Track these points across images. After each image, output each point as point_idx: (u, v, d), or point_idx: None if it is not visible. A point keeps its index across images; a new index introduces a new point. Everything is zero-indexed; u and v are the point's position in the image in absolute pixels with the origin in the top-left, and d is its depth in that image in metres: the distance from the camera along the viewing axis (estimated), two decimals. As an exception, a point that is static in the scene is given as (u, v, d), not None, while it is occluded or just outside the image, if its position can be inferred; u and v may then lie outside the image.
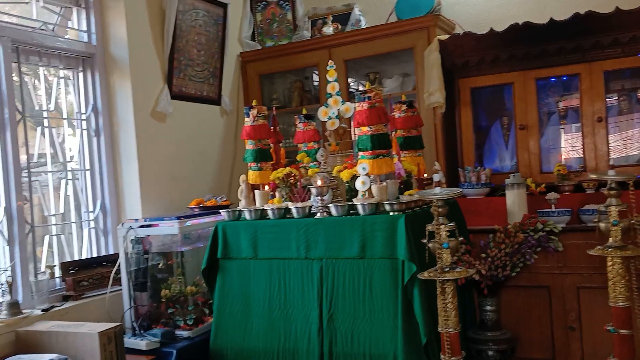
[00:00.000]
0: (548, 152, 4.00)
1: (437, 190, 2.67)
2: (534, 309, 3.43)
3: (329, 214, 2.93)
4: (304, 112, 3.54)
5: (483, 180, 3.82)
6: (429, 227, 2.56)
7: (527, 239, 3.31)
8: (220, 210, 3.25)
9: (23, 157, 3.29)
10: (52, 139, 3.56)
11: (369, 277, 2.78)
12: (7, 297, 2.98)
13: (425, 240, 2.58)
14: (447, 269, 2.50)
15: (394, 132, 3.41)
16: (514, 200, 3.52)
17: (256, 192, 3.20)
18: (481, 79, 4.04)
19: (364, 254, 2.79)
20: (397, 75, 4.50)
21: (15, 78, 3.26)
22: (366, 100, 2.90)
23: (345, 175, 3.08)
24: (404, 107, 3.43)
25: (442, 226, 2.51)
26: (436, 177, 3.32)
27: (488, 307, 3.35)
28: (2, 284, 2.99)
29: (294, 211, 2.99)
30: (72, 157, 3.69)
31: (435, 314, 2.57)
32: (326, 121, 3.41)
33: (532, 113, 3.93)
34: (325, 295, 2.85)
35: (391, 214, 2.77)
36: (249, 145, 3.30)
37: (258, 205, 3.16)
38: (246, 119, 3.30)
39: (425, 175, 3.37)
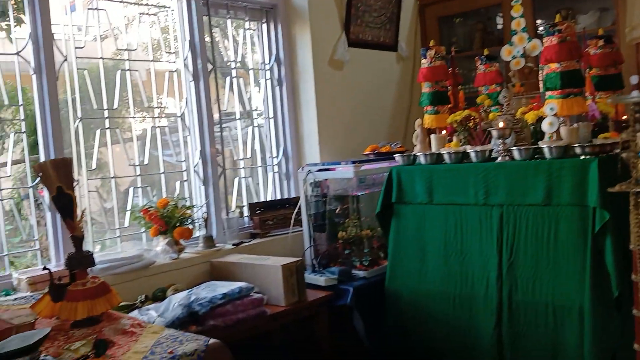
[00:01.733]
0: None
1: (635, 93, 2.36)
2: None
3: (511, 158, 2.76)
4: (486, 52, 3.34)
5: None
6: (623, 136, 2.27)
7: None
8: (395, 156, 3.23)
9: (215, 109, 3.56)
10: (240, 91, 3.81)
11: (554, 225, 2.58)
12: (203, 232, 3.30)
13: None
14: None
15: (587, 71, 3.08)
16: None
17: (432, 136, 3.13)
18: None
19: (550, 201, 2.59)
20: (593, 11, 4.04)
21: (206, 33, 3.51)
22: (556, 34, 2.66)
23: (530, 116, 2.87)
24: (601, 42, 3.09)
25: (639, 134, 2.20)
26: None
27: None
28: (198, 219, 3.31)
29: (472, 155, 2.87)
30: (257, 107, 3.92)
31: (629, 265, 2.32)
32: (510, 61, 3.20)
33: None
34: (506, 242, 2.72)
35: (582, 157, 2.53)
36: (426, 88, 3.21)
37: (434, 149, 3.09)
38: (423, 61, 3.21)
39: (625, 117, 3.01)
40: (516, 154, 2.73)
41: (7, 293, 2.61)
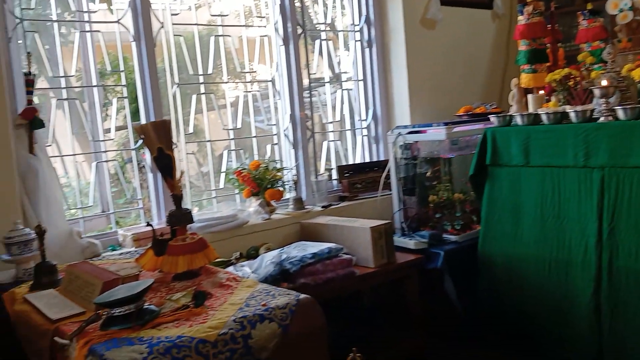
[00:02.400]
0: None
1: None
2: None
3: (615, 118, 2.59)
4: (589, 7, 3.13)
5: None
6: None
7: None
8: (490, 117, 3.12)
9: (305, 73, 3.58)
10: (329, 53, 3.80)
11: (661, 188, 2.42)
12: (293, 194, 3.37)
13: None
14: None
15: None
16: None
17: (529, 96, 2.99)
18: None
19: (656, 163, 2.42)
20: None
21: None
22: (671, -18, 2.43)
23: (637, 74, 2.67)
24: None
25: None
26: None
27: None
28: (288, 182, 3.37)
29: (572, 115, 2.72)
30: (346, 70, 3.90)
31: None
32: (616, 14, 2.98)
33: None
34: (607, 206, 2.58)
35: (697, 116, 2.34)
36: (522, 45, 3.07)
37: (531, 109, 2.95)
38: (520, 18, 3.06)
39: None
40: (620, 114, 2.56)
41: (113, 248, 2.81)
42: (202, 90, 3.26)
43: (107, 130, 3.12)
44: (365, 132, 3.90)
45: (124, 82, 3.07)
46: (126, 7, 2.92)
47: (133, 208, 3.30)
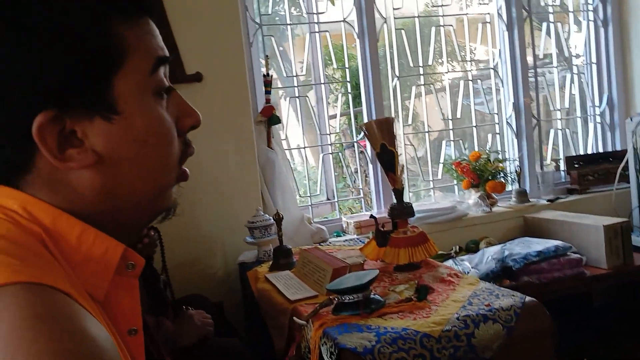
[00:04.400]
0: None
1: None
2: None
3: None
4: None
5: None
6: None
7: None
8: None
9: (529, 59, 3.40)
10: (557, 36, 3.55)
11: None
12: (516, 186, 3.23)
13: None
14: None
15: None
16: None
17: None
18: None
19: None
20: None
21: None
22: None
23: None
24: None
25: None
26: None
27: None
28: (511, 173, 3.25)
29: None
30: (577, 53, 3.61)
31: None
32: None
33: None
34: None
35: None
36: None
37: None
38: None
39: None
40: None
41: (337, 234, 2.99)
42: (422, 81, 3.29)
43: (333, 116, 3.30)
44: (598, 119, 3.58)
45: (348, 76, 3.23)
46: (351, 5, 3.06)
47: (353, 196, 3.47)
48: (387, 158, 2.17)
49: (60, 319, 0.49)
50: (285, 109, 3.12)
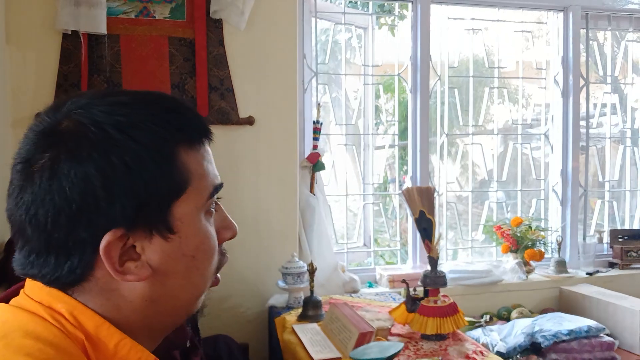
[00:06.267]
0: None
1: None
2: None
3: None
4: None
5: None
6: None
7: None
8: None
9: (582, 122, 3.37)
10: (617, 104, 3.50)
11: None
12: (556, 256, 3.18)
13: None
14: None
15: None
16: None
17: None
18: None
19: None
20: None
21: (582, 46, 3.32)
22: None
23: None
24: None
25: None
26: None
27: None
28: (552, 243, 3.20)
29: None
30: (633, 122, 3.56)
31: None
32: None
33: None
34: None
35: None
36: None
37: None
38: None
39: None
40: None
41: (370, 285, 3.01)
42: (471, 141, 3.30)
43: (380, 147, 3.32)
44: (647, 193, 3.51)
45: (396, 130, 3.27)
46: (407, 61, 3.11)
47: (391, 248, 3.49)
48: (424, 225, 2.20)
49: None
50: (333, 155, 3.18)
